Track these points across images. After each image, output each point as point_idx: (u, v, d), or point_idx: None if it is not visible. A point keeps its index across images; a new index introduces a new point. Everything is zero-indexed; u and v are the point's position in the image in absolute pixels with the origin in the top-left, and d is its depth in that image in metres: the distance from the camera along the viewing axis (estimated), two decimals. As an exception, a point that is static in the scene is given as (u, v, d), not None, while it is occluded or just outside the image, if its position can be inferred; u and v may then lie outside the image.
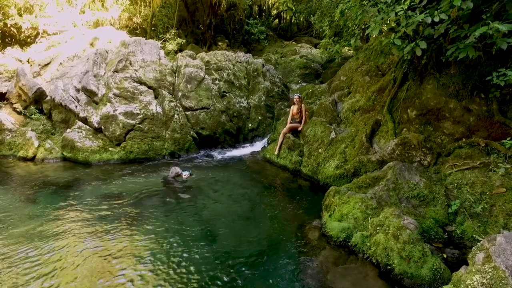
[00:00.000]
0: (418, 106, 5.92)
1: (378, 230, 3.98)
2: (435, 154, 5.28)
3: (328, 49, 7.36)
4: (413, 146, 5.36)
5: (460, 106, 5.38)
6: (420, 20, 4.21)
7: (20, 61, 11.74)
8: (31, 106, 9.61)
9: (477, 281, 2.63)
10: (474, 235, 4.01)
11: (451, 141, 5.36)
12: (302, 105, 8.28)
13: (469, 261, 2.89)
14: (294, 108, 8.26)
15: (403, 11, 4.44)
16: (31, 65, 11.32)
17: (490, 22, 3.62)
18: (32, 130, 9.05)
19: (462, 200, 4.40)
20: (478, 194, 4.33)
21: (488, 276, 2.58)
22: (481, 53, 4.23)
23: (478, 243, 2.94)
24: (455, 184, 4.64)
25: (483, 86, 5.10)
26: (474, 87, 5.21)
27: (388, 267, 3.64)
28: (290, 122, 8.24)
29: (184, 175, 6.73)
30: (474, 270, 2.73)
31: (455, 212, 4.36)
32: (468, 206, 4.30)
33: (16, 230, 4.72)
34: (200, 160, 8.76)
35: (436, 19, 4.07)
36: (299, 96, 8.34)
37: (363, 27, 6.20)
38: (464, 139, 5.16)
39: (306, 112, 8.27)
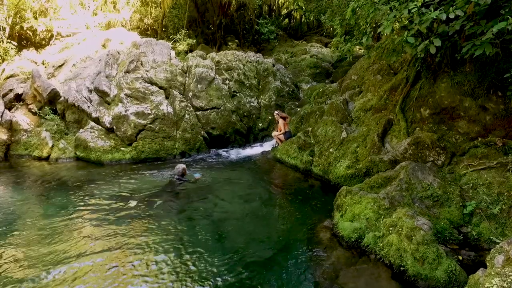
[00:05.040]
0: (431, 105, 5.81)
1: (391, 231, 3.92)
2: (449, 154, 5.16)
3: (339, 48, 7.27)
4: (426, 145, 5.26)
5: (475, 104, 5.25)
6: (435, 17, 4.12)
7: (35, 63, 12.00)
8: (46, 107, 9.82)
9: (496, 284, 2.55)
10: (492, 237, 3.90)
11: (466, 141, 5.23)
12: (280, 120, 8.97)
13: (487, 264, 2.80)
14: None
15: (416, 8, 4.36)
16: (45, 67, 11.58)
17: (510, 17, 3.51)
18: (47, 130, 9.24)
19: (478, 201, 4.29)
20: (495, 195, 4.21)
21: (509, 280, 2.50)
22: (499, 50, 4.11)
23: (497, 245, 2.85)
24: (471, 185, 4.52)
25: (500, 84, 4.96)
26: (490, 85, 5.08)
27: (401, 268, 3.57)
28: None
29: (197, 177, 6.75)
30: (493, 273, 2.64)
31: (470, 213, 4.25)
32: (485, 207, 4.19)
33: (31, 227, 4.81)
34: (211, 160, 8.79)
35: (451, 16, 3.97)
36: (277, 113, 9.23)
37: (374, 25, 6.09)
38: (480, 139, 5.03)
39: (284, 127, 8.91)
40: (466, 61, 5.31)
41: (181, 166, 6.59)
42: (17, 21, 12.48)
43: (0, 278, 3.62)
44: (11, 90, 10.14)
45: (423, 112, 5.92)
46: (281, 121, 8.90)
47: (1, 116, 9.12)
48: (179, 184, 6.37)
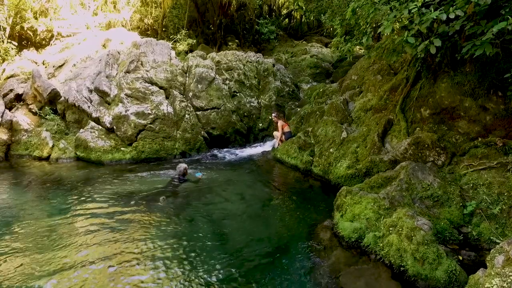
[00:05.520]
0: (431, 105, 5.81)
1: (391, 231, 3.92)
2: (449, 154, 5.16)
3: (339, 48, 7.28)
4: (426, 145, 5.26)
5: (475, 104, 5.25)
6: (435, 17, 4.12)
7: (36, 63, 12.01)
8: (46, 107, 9.82)
9: (496, 284, 2.55)
10: (492, 237, 3.90)
11: (466, 141, 5.23)
12: (279, 121, 8.93)
13: (487, 264, 2.80)
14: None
15: (416, 9, 4.36)
16: (46, 67, 11.58)
17: (510, 17, 3.51)
18: (47, 130, 9.24)
19: (478, 201, 4.29)
20: (496, 195, 4.21)
21: (509, 280, 2.50)
22: (499, 50, 4.11)
23: (497, 246, 2.85)
24: (471, 185, 4.52)
25: (500, 84, 4.96)
26: (491, 85, 5.08)
27: (402, 268, 3.57)
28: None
29: (199, 177, 6.76)
30: (493, 273, 2.64)
31: (470, 213, 4.25)
32: (485, 207, 4.19)
33: (31, 227, 4.81)
34: (211, 160, 8.79)
35: (452, 16, 3.97)
36: (274, 116, 9.24)
37: (374, 25, 6.10)
38: (480, 139, 5.03)
39: (282, 128, 8.85)
40: (466, 61, 5.31)
41: (182, 165, 6.58)
42: (18, 21, 12.48)
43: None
44: (11, 90, 10.14)
45: (423, 112, 5.92)
46: (279, 122, 8.90)
47: (2, 116, 9.12)
48: (180, 184, 6.37)
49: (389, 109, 6.73)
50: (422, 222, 3.74)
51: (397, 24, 5.50)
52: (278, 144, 8.86)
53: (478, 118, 5.21)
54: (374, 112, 7.11)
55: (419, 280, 3.41)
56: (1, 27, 11.84)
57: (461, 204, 4.35)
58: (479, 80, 5.19)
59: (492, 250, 2.87)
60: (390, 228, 3.94)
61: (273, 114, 9.42)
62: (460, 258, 3.74)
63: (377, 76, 8.01)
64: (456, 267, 3.37)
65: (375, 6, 5.54)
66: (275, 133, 9.23)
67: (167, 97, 9.74)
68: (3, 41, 11.77)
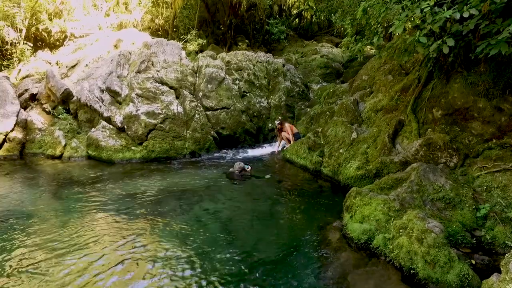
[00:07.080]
0: (444, 105, 5.70)
1: (401, 233, 3.86)
2: (462, 156, 5.06)
3: (349, 48, 7.24)
4: (438, 147, 5.17)
5: (490, 105, 5.13)
6: (448, 16, 4.04)
7: (50, 63, 12.29)
8: (59, 106, 10.03)
9: (510, 289, 2.49)
10: (507, 241, 3.80)
11: (480, 142, 5.11)
12: (285, 125, 9.04)
13: (502, 269, 2.73)
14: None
15: (429, 8, 4.29)
16: (59, 67, 11.84)
17: (526, 16, 3.42)
18: (60, 129, 9.44)
19: (492, 204, 4.18)
20: (511, 198, 4.11)
21: (523, 285, 2.44)
22: (515, 49, 4.01)
23: None
24: (484, 187, 4.42)
25: (516, 84, 4.84)
26: (506, 85, 4.95)
27: (412, 271, 3.51)
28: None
29: (247, 169, 7.22)
30: (508, 279, 2.58)
31: (484, 216, 4.15)
32: (499, 210, 4.09)
33: (45, 224, 4.92)
34: (220, 160, 8.82)
35: (465, 15, 3.89)
36: (278, 123, 9.24)
37: (386, 25, 6.03)
38: (494, 140, 4.91)
39: (287, 133, 8.93)
40: (480, 61, 5.20)
41: (241, 164, 7.24)
42: (33, 22, 12.80)
43: (13, 273, 3.71)
44: (26, 90, 10.41)
45: (435, 113, 5.82)
46: (286, 125, 8.90)
47: (17, 115, 9.36)
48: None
49: (400, 109, 6.63)
50: (433, 224, 3.67)
51: (409, 23, 5.42)
52: (279, 143, 8.90)
53: (493, 119, 5.09)
54: (385, 113, 7.02)
55: (429, 284, 3.35)
56: (18, 28, 12.14)
57: (474, 206, 4.25)
58: (494, 80, 5.07)
59: (506, 255, 2.80)
60: (400, 230, 3.88)
61: (276, 122, 9.39)
62: (473, 262, 3.65)
63: (388, 76, 7.91)
64: (469, 271, 3.29)
65: (387, 6, 5.48)
66: (283, 134, 9.22)
67: (177, 97, 9.83)
68: (19, 42, 12.08)
